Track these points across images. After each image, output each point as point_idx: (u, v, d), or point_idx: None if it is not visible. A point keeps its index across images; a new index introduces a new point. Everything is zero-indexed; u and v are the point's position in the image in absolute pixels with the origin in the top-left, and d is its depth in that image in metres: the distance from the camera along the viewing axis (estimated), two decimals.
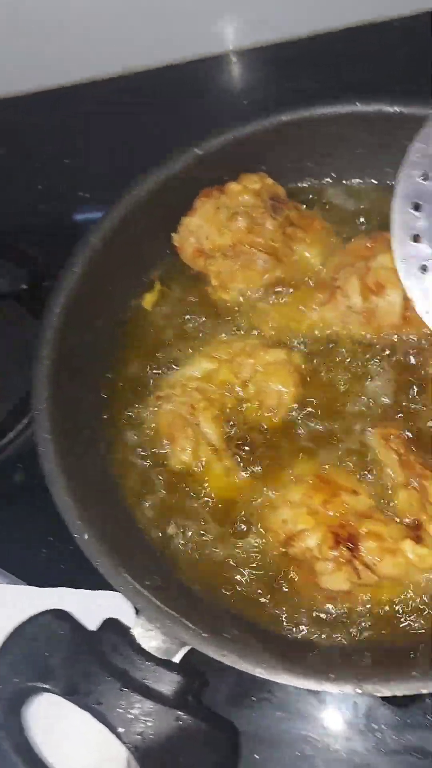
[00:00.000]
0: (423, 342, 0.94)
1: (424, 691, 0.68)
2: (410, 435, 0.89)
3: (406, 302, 0.90)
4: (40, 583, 0.92)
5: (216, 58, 1.47)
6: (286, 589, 0.84)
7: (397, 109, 0.97)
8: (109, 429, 0.94)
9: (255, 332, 0.98)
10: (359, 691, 0.69)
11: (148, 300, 1.04)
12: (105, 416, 0.95)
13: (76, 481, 0.83)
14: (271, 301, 1.00)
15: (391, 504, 0.85)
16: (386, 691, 0.69)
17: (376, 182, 1.07)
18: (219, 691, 0.91)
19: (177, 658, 0.74)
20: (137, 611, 0.77)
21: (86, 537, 0.79)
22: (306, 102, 1.03)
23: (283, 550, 0.83)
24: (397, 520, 0.84)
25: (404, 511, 0.84)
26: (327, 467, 0.88)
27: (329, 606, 0.82)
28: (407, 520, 0.83)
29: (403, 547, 0.80)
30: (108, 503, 0.88)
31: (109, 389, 0.97)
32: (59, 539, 1.01)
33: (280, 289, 1.00)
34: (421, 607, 0.81)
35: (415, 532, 0.82)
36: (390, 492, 0.86)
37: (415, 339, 0.94)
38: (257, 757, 0.90)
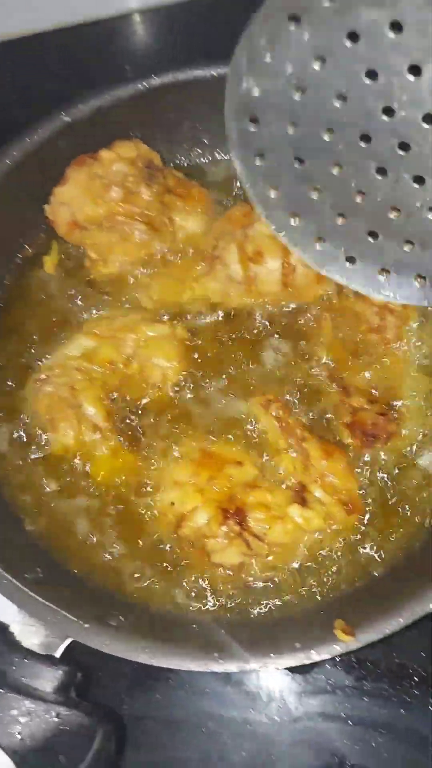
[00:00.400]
0: (302, 307, 0.93)
1: (307, 662, 0.68)
2: (289, 398, 0.89)
3: (286, 269, 0.89)
4: None
5: (115, 19, 1.39)
6: (177, 569, 0.82)
7: None
8: None
9: (137, 306, 0.95)
10: (247, 667, 0.68)
11: (49, 263, 0.99)
12: None
13: None
14: (151, 274, 0.96)
15: (276, 470, 0.85)
16: (271, 665, 0.68)
17: None
18: (118, 678, 0.89)
19: (59, 653, 0.71)
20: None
21: None
22: (179, 65, 0.98)
23: (174, 534, 0.81)
24: (283, 485, 0.83)
25: (289, 475, 0.84)
26: (212, 440, 0.87)
27: (219, 582, 0.81)
28: (293, 483, 0.83)
29: (290, 512, 0.80)
30: None
31: None
32: None
33: (160, 261, 0.96)
34: (302, 574, 0.82)
35: (300, 495, 0.82)
36: (274, 459, 0.85)
37: (295, 305, 0.93)
38: (163, 739, 0.88)
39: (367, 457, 0.86)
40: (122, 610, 0.76)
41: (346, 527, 0.82)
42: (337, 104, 0.55)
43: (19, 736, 0.64)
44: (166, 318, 0.93)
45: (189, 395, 0.90)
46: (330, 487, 0.82)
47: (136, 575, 0.81)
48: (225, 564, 0.80)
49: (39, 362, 0.92)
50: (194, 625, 0.77)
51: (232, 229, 0.93)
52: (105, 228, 0.95)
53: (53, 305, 0.97)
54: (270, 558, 0.81)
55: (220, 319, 0.94)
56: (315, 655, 0.68)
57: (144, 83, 0.97)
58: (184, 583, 0.81)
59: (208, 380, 0.91)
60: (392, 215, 0.60)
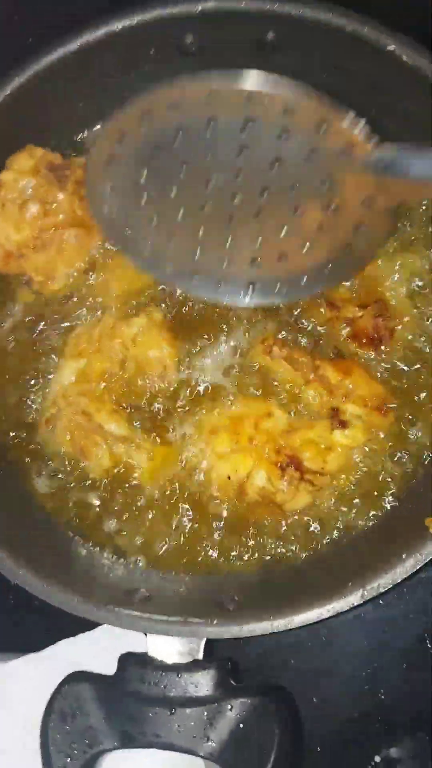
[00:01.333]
0: None
1: (419, 566, 0.74)
2: (284, 333, 0.91)
3: None
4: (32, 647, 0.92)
5: None
6: (257, 532, 0.86)
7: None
8: (16, 477, 0.90)
9: (106, 308, 0.94)
10: (366, 596, 0.74)
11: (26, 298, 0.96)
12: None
13: (18, 544, 0.80)
14: (103, 271, 0.95)
15: (304, 406, 0.88)
16: (390, 582, 0.74)
17: None
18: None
19: (201, 654, 0.76)
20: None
21: (57, 594, 0.77)
22: (30, 53, 0.91)
23: (244, 503, 0.86)
24: (318, 416, 0.87)
25: (318, 405, 0.87)
26: (234, 404, 0.89)
27: (296, 526, 0.86)
28: (325, 411, 0.87)
29: (335, 439, 0.85)
30: (54, 546, 0.86)
31: None
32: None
33: (104, 255, 0.95)
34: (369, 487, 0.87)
35: (336, 419, 0.86)
36: (298, 394, 0.88)
37: None
38: (292, 661, 0.96)
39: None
40: (229, 589, 0.81)
41: (388, 429, 0.87)
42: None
43: (212, 743, 0.70)
44: (138, 308, 0.93)
45: (194, 370, 0.91)
46: (359, 399, 0.86)
47: (231, 553, 0.86)
48: (300, 508, 0.85)
49: (39, 402, 0.92)
50: (296, 573, 0.83)
51: None
52: (39, 247, 0.92)
53: (25, 343, 0.94)
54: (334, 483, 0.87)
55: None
56: (424, 557, 0.74)
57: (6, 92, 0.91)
58: (269, 540, 0.86)
59: (204, 348, 0.91)
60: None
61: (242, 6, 0.84)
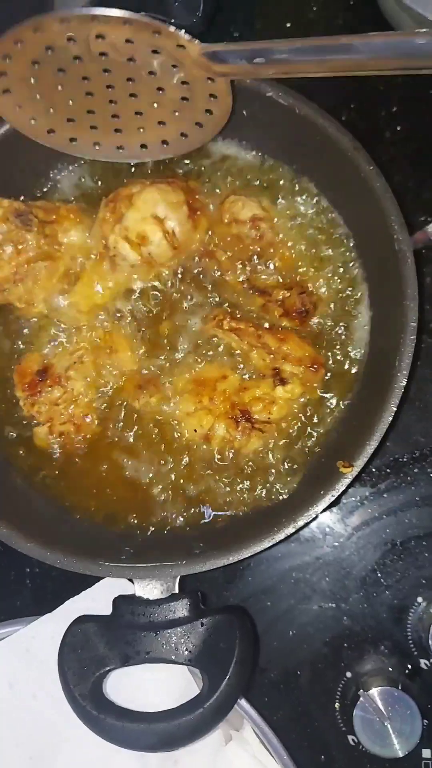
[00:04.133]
0: (195, 254, 1.12)
1: (335, 497, 0.94)
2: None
3: (168, 236, 1.07)
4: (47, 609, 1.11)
5: None
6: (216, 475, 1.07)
7: None
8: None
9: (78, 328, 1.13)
10: (298, 526, 0.94)
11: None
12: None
13: (27, 530, 0.99)
14: (70, 294, 1.13)
15: (251, 368, 1.07)
16: (314, 512, 0.94)
17: None
18: (216, 579, 1.16)
19: (176, 589, 0.96)
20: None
21: (60, 559, 0.97)
22: None
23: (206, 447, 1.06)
24: (263, 376, 1.05)
25: (262, 367, 1.06)
26: (196, 371, 1.08)
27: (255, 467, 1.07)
28: (268, 371, 1.05)
29: (278, 393, 1.03)
30: (54, 518, 1.06)
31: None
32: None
33: (70, 279, 1.13)
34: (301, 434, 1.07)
35: (278, 377, 1.04)
36: (245, 361, 1.07)
37: (188, 256, 1.12)
38: (268, 603, 1.16)
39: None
40: (197, 538, 1.01)
41: (319, 383, 1.06)
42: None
43: (188, 652, 0.90)
44: (106, 321, 1.11)
45: (161, 361, 1.10)
46: (295, 360, 1.04)
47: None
48: (255, 449, 1.04)
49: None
50: (251, 512, 1.02)
51: (111, 226, 1.09)
52: (18, 280, 1.11)
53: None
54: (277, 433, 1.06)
55: (146, 298, 1.12)
56: (336, 492, 0.93)
57: None
58: (222, 483, 1.06)
59: (166, 347, 1.10)
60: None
61: None
